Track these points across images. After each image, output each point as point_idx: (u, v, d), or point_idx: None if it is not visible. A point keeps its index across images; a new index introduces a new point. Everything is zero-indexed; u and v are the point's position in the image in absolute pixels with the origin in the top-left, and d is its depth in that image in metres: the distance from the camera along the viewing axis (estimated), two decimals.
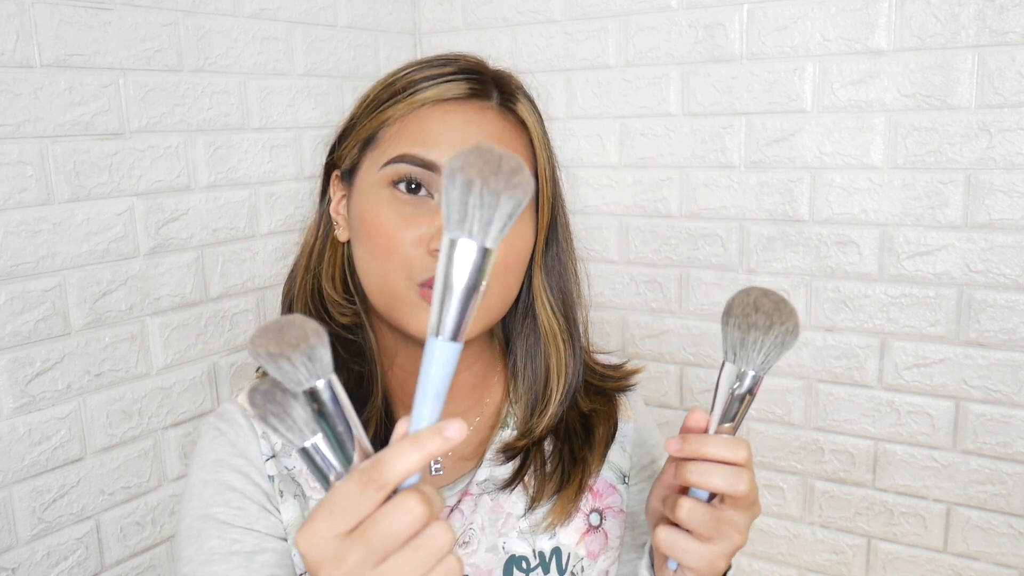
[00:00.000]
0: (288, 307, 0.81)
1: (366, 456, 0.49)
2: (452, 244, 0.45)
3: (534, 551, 0.75)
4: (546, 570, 0.74)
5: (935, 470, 1.32)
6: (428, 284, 0.68)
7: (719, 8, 1.37)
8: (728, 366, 0.60)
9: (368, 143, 0.74)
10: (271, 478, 0.72)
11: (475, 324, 0.70)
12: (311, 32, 1.41)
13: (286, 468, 0.74)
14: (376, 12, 1.55)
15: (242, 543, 0.69)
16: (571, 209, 1.55)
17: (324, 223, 0.80)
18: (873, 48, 1.27)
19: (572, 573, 0.75)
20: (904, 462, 1.34)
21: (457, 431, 0.46)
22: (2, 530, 1.03)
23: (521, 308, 0.79)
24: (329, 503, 0.45)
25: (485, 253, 0.46)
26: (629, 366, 0.86)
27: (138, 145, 1.15)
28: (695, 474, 0.59)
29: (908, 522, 1.35)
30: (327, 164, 0.80)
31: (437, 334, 0.46)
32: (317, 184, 0.82)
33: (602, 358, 0.87)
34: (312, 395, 0.46)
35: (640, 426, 0.84)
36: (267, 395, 0.48)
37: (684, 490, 0.63)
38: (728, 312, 0.60)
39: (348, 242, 0.77)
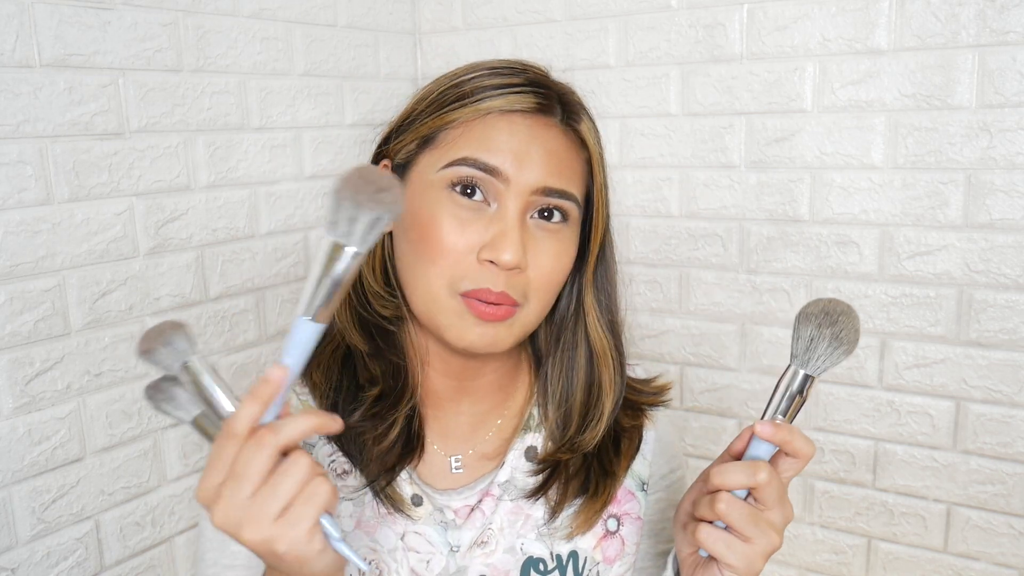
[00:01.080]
0: None
1: None
2: (333, 246, 0.55)
3: (552, 553, 0.75)
4: (563, 573, 0.74)
5: (935, 470, 1.32)
6: (472, 295, 0.68)
7: (719, 8, 1.37)
8: (800, 373, 0.63)
9: (427, 141, 0.73)
10: None
11: (512, 337, 0.71)
12: (311, 32, 1.41)
13: None
14: (376, 12, 1.55)
15: None
16: None
17: None
18: (873, 48, 1.27)
19: None
20: (904, 462, 1.34)
21: (275, 375, 0.54)
22: (2, 530, 1.03)
23: (559, 320, 0.79)
24: (210, 459, 0.54)
25: (355, 255, 0.55)
26: (659, 382, 0.86)
27: (138, 145, 1.15)
28: (717, 476, 0.62)
29: (908, 522, 1.35)
30: (376, 155, 0.79)
31: (304, 314, 0.55)
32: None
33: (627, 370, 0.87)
34: (184, 371, 0.57)
35: (661, 435, 0.84)
36: (155, 387, 0.60)
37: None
38: (838, 331, 0.62)
39: (390, 234, 0.77)
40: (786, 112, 1.35)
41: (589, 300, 0.78)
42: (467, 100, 0.71)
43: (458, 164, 0.69)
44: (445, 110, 0.72)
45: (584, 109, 0.76)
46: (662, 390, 0.85)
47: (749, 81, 1.37)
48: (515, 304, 0.70)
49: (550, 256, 0.71)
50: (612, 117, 1.49)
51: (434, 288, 0.69)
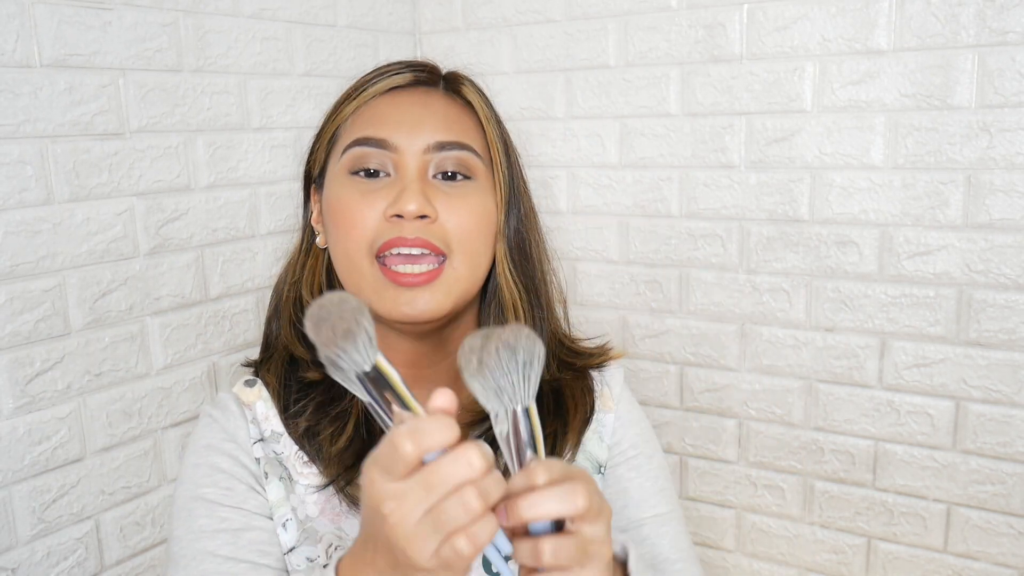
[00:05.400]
0: (275, 321, 0.84)
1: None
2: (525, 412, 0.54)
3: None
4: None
5: (935, 470, 1.32)
6: (388, 246, 0.71)
7: (719, 8, 1.37)
8: (498, 418, 0.55)
9: (331, 143, 0.79)
10: (258, 460, 0.76)
11: (448, 298, 0.73)
12: (311, 32, 1.41)
13: (273, 452, 0.77)
14: (376, 12, 1.55)
15: (230, 521, 0.72)
16: (571, 209, 1.56)
17: (307, 235, 0.84)
18: (873, 48, 1.27)
19: None
20: (904, 462, 1.34)
21: (444, 400, 0.52)
22: (2, 530, 1.03)
23: (490, 289, 0.81)
24: (390, 454, 0.50)
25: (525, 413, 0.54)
26: (597, 343, 0.88)
27: (138, 145, 1.15)
28: (529, 509, 0.53)
29: (908, 522, 1.35)
30: (304, 178, 0.85)
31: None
32: (301, 200, 0.87)
33: (584, 342, 0.89)
34: (366, 377, 0.53)
35: (621, 414, 0.85)
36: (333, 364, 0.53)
37: (524, 531, 0.56)
38: (467, 372, 0.54)
39: (325, 249, 0.81)
40: (786, 112, 1.35)
41: (500, 253, 0.79)
42: (352, 95, 0.79)
43: (351, 147, 0.75)
44: (337, 111, 0.79)
45: (468, 80, 0.81)
46: (602, 350, 0.87)
47: (749, 81, 1.37)
48: (438, 252, 0.72)
49: (463, 206, 0.74)
50: (612, 117, 1.49)
51: (355, 258, 0.73)
